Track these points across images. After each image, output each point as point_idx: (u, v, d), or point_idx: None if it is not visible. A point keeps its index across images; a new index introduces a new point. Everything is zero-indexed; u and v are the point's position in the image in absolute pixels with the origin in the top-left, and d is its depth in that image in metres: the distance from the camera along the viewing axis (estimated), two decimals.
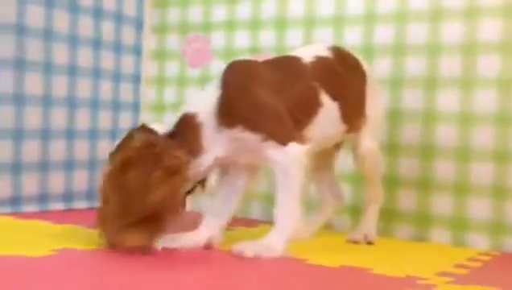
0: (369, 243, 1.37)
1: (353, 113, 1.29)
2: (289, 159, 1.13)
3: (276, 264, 1.07)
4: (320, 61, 1.26)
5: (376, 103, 1.36)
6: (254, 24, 1.73)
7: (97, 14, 1.72)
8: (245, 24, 1.74)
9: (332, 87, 1.24)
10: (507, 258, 1.30)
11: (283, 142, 1.13)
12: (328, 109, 1.23)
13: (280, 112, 1.15)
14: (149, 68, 1.91)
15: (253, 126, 1.12)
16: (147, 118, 1.90)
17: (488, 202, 1.43)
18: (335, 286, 0.93)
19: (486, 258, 1.28)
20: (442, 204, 1.47)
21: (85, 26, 1.69)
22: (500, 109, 1.42)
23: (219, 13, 1.79)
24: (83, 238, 1.21)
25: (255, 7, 1.73)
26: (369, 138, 1.34)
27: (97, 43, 1.73)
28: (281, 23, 1.69)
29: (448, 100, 1.47)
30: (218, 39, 1.79)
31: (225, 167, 1.22)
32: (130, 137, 1.10)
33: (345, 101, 1.26)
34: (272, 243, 1.13)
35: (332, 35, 1.61)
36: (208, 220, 1.20)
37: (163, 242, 1.15)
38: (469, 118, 1.45)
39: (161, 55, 1.90)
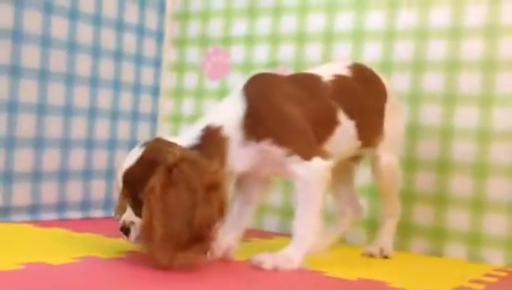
0: (385, 257, 1.38)
1: (369, 130, 1.30)
2: (312, 174, 1.15)
3: (294, 276, 1.08)
4: (339, 80, 1.27)
5: (395, 119, 1.37)
6: (274, 39, 1.75)
7: (119, 26, 1.75)
8: (264, 38, 1.77)
9: (349, 106, 1.25)
10: None
11: (308, 157, 1.14)
12: (345, 128, 1.25)
13: (305, 127, 1.16)
14: (168, 80, 1.94)
15: (280, 140, 1.13)
16: (165, 129, 1.92)
17: (504, 218, 1.43)
18: None
19: (502, 274, 1.29)
20: (458, 219, 1.48)
21: (107, 38, 1.72)
22: None
23: (239, 27, 1.81)
24: (103, 247, 1.23)
25: (275, 22, 1.75)
26: (388, 154, 1.35)
27: (118, 55, 1.75)
28: (300, 38, 1.71)
29: (466, 116, 1.48)
30: (237, 53, 1.81)
31: (239, 179, 1.23)
32: (160, 151, 1.09)
33: (362, 119, 1.27)
34: (291, 256, 1.14)
35: (352, 51, 1.63)
36: (224, 231, 1.21)
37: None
38: (487, 134, 1.45)
39: (180, 67, 1.92)
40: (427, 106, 1.52)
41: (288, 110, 1.15)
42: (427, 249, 1.51)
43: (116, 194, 1.19)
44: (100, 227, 1.52)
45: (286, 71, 1.69)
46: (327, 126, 1.22)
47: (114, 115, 1.76)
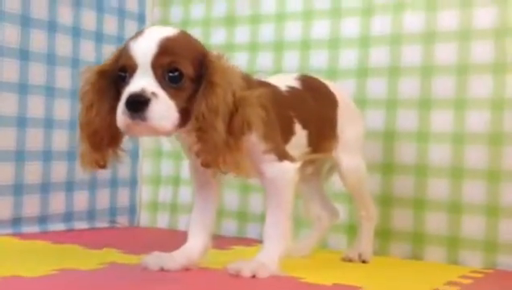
0: (364, 262, 1.39)
1: (320, 137, 1.32)
2: (283, 175, 1.16)
3: (271, 283, 1.09)
4: (292, 91, 1.29)
5: (350, 123, 1.39)
6: (252, 47, 1.77)
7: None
8: (243, 46, 1.78)
9: (303, 116, 1.27)
10: (498, 276, 1.32)
11: (280, 158, 1.16)
12: (299, 136, 1.26)
13: (278, 130, 1.18)
14: None
15: (265, 136, 1.13)
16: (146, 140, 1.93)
17: (481, 220, 1.45)
18: None
19: (478, 275, 1.31)
20: (436, 222, 1.50)
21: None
22: (492, 129, 1.44)
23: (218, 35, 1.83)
24: (83, 258, 1.24)
25: (253, 30, 1.77)
26: (347, 157, 1.37)
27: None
28: (278, 46, 1.73)
29: (441, 119, 1.50)
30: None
31: (200, 180, 1.23)
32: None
33: (314, 127, 1.29)
34: (266, 262, 1.15)
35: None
36: (193, 235, 1.21)
37: (152, 261, 1.15)
38: (462, 137, 1.47)
39: None
40: (403, 111, 1.54)
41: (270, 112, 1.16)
42: (407, 252, 1.52)
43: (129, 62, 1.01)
44: (82, 239, 1.52)
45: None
46: (285, 134, 1.24)
47: None
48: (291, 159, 1.19)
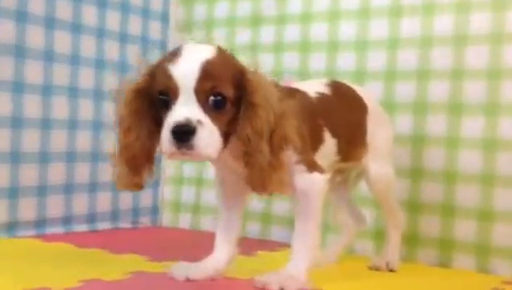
0: (391, 270, 1.37)
1: (350, 145, 1.29)
2: (313, 187, 1.14)
3: None
4: (322, 98, 1.26)
5: (380, 130, 1.36)
6: (278, 47, 1.74)
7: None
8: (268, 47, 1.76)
9: (332, 124, 1.24)
10: None
11: (310, 169, 1.14)
12: (328, 145, 1.24)
13: (308, 140, 1.16)
14: None
15: (297, 147, 1.10)
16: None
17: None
18: None
19: (508, 287, 1.28)
20: (466, 229, 1.47)
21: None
22: None
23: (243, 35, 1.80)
24: (109, 265, 1.23)
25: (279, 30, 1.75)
26: (376, 164, 1.34)
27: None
28: (304, 47, 1.70)
29: (472, 125, 1.47)
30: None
31: (227, 190, 1.21)
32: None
33: (344, 136, 1.27)
34: (295, 273, 1.13)
35: (355, 60, 1.61)
36: (220, 244, 1.20)
37: (179, 271, 1.15)
38: (493, 142, 1.44)
39: None
40: (432, 115, 1.51)
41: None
42: (435, 259, 1.50)
43: (173, 89, 0.98)
44: (106, 241, 1.52)
45: (292, 79, 1.68)
46: (315, 143, 1.21)
47: None
48: (321, 169, 1.16)
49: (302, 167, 1.13)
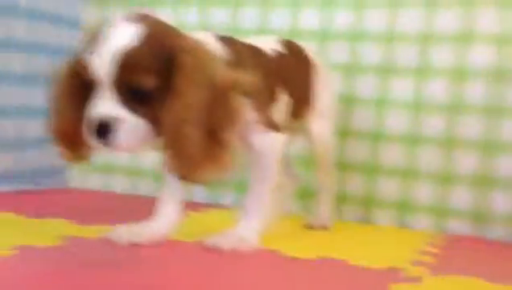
0: (325, 228, 1.36)
1: (299, 104, 1.27)
2: (271, 147, 1.10)
3: (254, 258, 1.03)
4: (277, 56, 1.21)
5: (325, 91, 1.34)
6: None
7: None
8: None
9: (286, 82, 1.20)
10: (457, 242, 1.34)
11: (268, 128, 1.09)
12: (282, 104, 1.20)
13: (266, 98, 1.10)
14: None
15: (255, 106, 1.05)
16: None
17: (431, 187, 1.47)
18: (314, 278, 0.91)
19: (440, 242, 1.31)
20: (388, 187, 1.50)
21: None
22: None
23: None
24: (36, 231, 1.11)
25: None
26: (318, 124, 1.33)
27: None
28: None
29: (401, 88, 1.49)
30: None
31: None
32: (168, 33, 0.93)
33: (295, 95, 1.23)
34: (247, 235, 1.08)
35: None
36: (164, 205, 1.13)
37: (120, 235, 1.06)
38: (420, 105, 1.47)
39: None
40: (363, 78, 1.51)
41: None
42: (358, 216, 1.52)
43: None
44: (18, 204, 1.38)
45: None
46: (271, 100, 1.16)
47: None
48: (278, 128, 1.12)
49: (260, 127, 1.08)
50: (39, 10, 1.62)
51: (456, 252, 1.23)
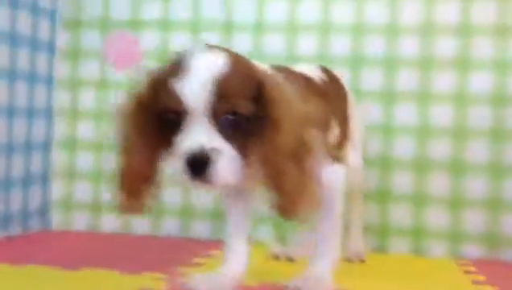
0: (362, 261, 1.35)
1: (342, 134, 1.23)
2: (337, 180, 1.06)
3: None
4: (325, 85, 1.18)
5: (355, 119, 1.32)
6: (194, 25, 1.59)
7: None
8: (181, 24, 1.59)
9: (335, 113, 1.17)
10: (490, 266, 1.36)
11: (333, 160, 1.06)
12: (334, 134, 1.16)
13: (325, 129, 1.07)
14: (61, 69, 1.64)
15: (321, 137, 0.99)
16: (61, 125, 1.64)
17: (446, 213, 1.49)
18: None
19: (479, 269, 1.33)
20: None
21: None
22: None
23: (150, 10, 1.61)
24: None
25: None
26: (353, 154, 1.29)
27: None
28: (228, 27, 1.58)
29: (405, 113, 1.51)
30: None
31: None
32: (249, 64, 0.89)
33: (340, 125, 1.20)
34: (322, 275, 1.03)
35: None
36: (233, 249, 1.05)
37: (200, 284, 0.98)
38: (427, 130, 1.49)
39: (75, 54, 1.64)
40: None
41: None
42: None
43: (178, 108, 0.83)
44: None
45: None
46: (327, 131, 1.13)
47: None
48: (341, 160, 1.08)
49: (326, 159, 1.03)
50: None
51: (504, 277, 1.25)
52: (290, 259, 1.32)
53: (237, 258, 1.04)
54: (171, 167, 0.85)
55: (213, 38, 1.53)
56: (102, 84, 1.62)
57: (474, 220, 1.48)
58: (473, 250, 1.48)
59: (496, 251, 1.47)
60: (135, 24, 1.61)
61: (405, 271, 1.29)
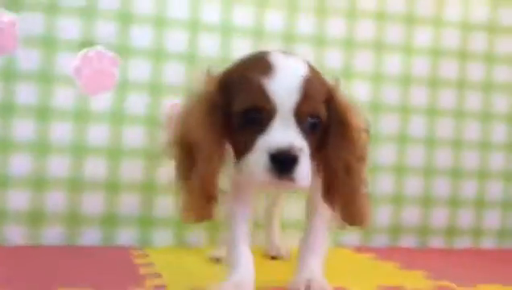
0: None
1: None
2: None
3: None
4: None
5: None
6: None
7: None
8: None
9: None
10: None
11: None
12: None
13: None
14: None
15: None
16: None
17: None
18: None
19: None
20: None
21: None
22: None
23: None
24: None
25: None
26: None
27: None
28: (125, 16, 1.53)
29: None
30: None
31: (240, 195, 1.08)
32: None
33: None
34: (315, 274, 1.06)
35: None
36: (241, 256, 1.04)
37: None
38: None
39: None
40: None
41: None
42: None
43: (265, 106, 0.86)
44: None
45: (106, 53, 1.50)
46: None
47: None
48: None
49: None
50: None
51: None
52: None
53: (247, 262, 1.04)
54: (246, 165, 0.85)
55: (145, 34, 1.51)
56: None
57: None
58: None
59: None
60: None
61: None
